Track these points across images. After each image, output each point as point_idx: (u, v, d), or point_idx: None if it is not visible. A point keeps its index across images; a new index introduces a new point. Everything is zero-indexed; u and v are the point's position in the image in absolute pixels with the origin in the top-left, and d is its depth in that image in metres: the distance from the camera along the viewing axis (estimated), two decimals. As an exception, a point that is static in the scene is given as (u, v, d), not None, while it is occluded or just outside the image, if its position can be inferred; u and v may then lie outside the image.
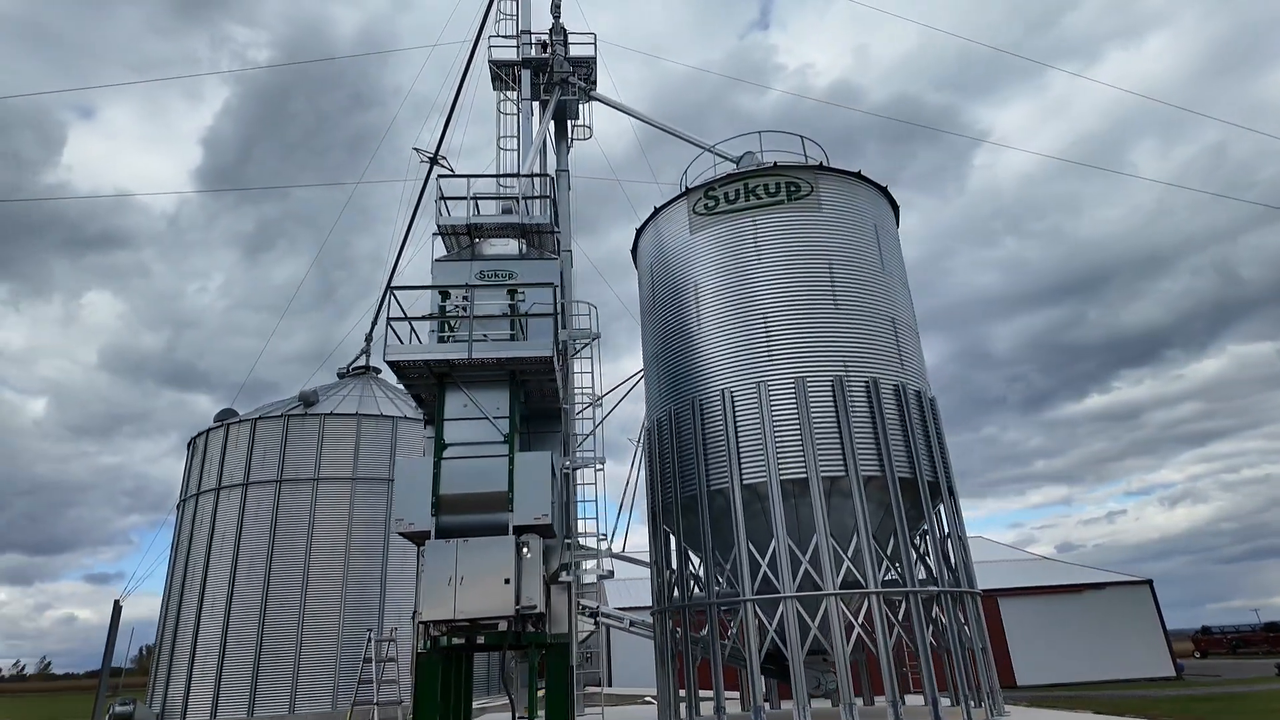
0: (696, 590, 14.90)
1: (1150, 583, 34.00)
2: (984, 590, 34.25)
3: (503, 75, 26.97)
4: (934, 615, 14.38)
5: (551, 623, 13.10)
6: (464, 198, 15.27)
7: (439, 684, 12.40)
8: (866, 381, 14.46)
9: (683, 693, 14.67)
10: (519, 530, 11.29)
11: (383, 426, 31.23)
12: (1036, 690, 29.79)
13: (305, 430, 31.69)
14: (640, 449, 17.71)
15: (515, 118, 26.21)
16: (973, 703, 13.82)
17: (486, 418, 11.84)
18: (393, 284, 12.08)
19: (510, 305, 12.75)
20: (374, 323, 34.98)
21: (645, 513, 16.45)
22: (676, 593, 15.10)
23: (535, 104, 25.70)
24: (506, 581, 10.73)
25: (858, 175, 16.66)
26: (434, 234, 15.31)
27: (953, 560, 14.50)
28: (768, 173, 16.23)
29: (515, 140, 25.59)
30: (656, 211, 17.82)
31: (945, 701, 13.19)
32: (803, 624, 13.07)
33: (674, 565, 15.30)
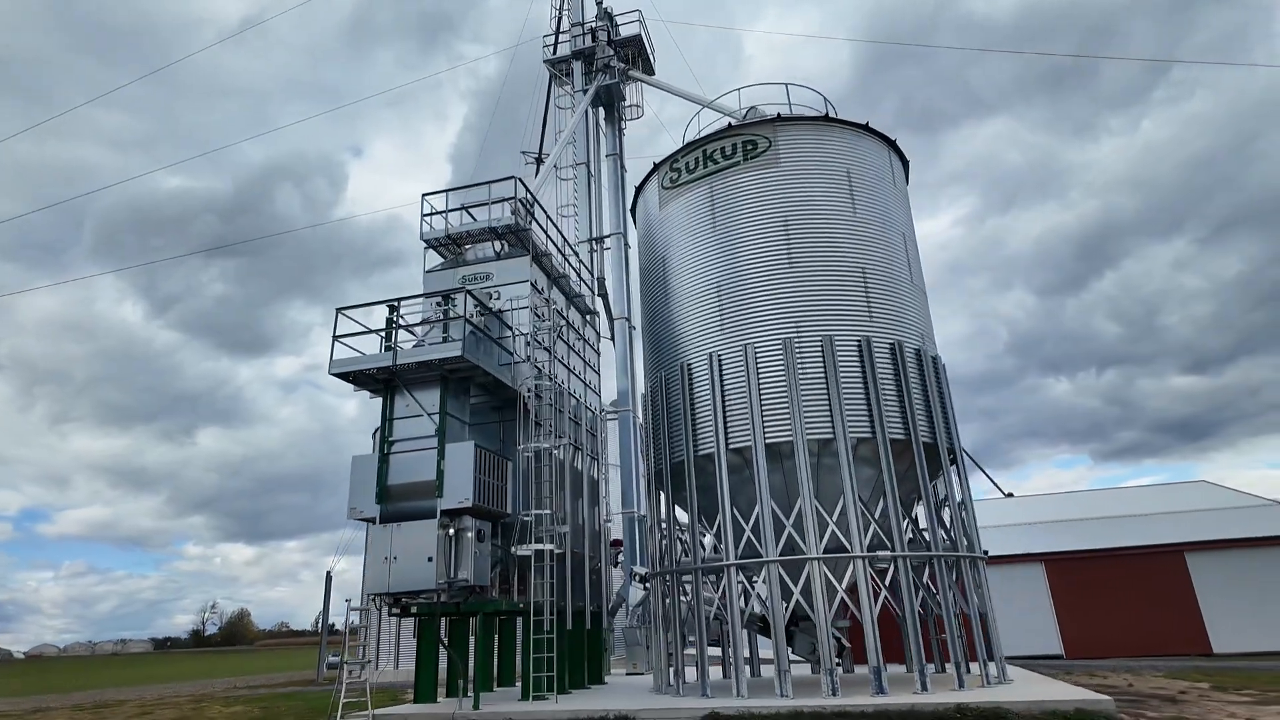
0: (683, 553, 15.27)
1: None
2: (1169, 544, 30.01)
3: (558, 73, 28.23)
4: (923, 581, 13.55)
5: (528, 591, 14.29)
6: (442, 211, 16.82)
7: (435, 645, 14.36)
8: (821, 340, 13.80)
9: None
10: (447, 514, 12.68)
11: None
12: (1233, 659, 25.44)
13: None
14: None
15: (569, 112, 27.39)
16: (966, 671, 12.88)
17: (424, 414, 13.34)
18: (341, 306, 13.89)
19: (444, 310, 14.05)
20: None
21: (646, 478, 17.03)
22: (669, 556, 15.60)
23: (586, 94, 26.62)
24: (430, 559, 12.19)
25: (826, 119, 15.63)
26: (424, 247, 17.08)
27: (946, 524, 13.45)
28: (723, 135, 15.84)
29: (572, 134, 26.78)
30: (638, 190, 18.06)
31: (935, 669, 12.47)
32: (784, 591, 13.00)
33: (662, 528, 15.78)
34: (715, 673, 16.45)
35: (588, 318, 21.15)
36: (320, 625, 35.31)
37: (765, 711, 10.94)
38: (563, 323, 17.29)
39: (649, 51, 28.04)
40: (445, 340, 13.68)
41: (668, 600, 14.83)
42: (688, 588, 14.95)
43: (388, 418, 13.53)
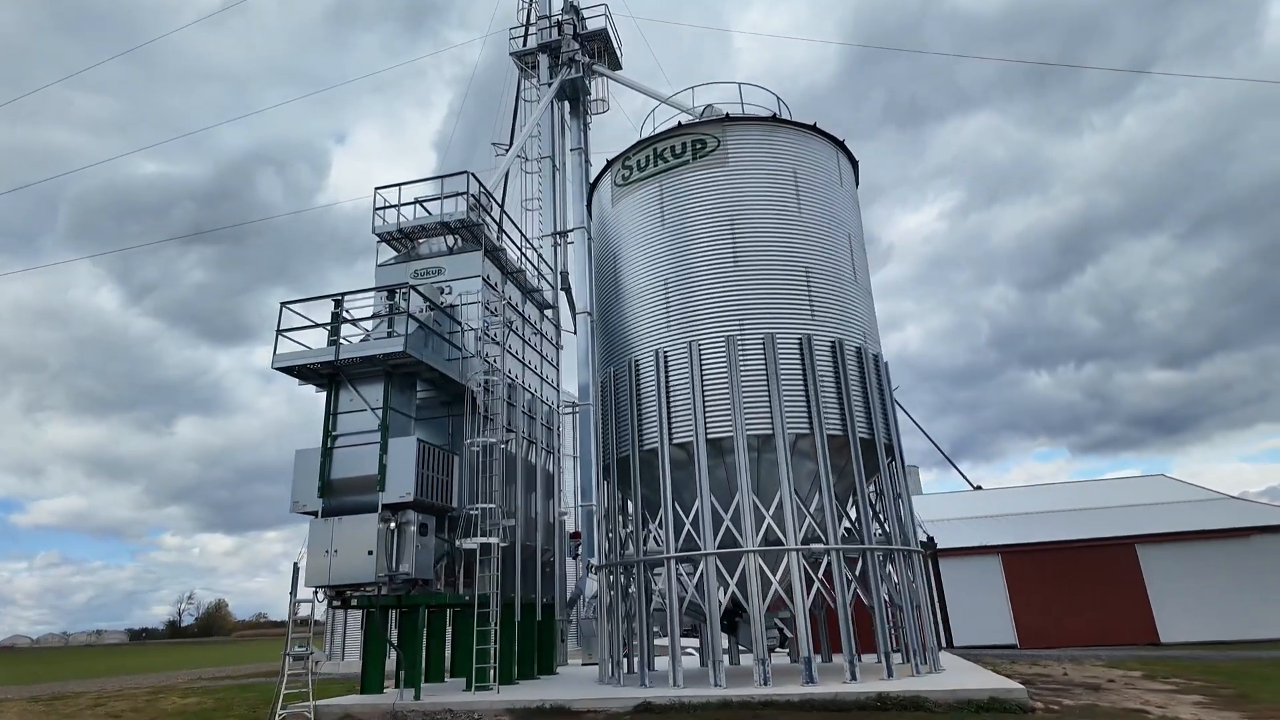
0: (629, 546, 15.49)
1: (1350, 523, 27.87)
2: (1120, 537, 30.64)
3: (524, 66, 28.23)
4: (855, 574, 13.86)
5: (475, 585, 14.44)
6: (394, 205, 16.83)
7: (384, 636, 14.54)
8: (763, 338, 14.04)
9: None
10: (389, 508, 12.82)
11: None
12: (1178, 648, 26.15)
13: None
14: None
15: (536, 104, 27.37)
16: (900, 659, 13.24)
17: (368, 408, 13.44)
18: (286, 301, 13.94)
19: (390, 305, 14.14)
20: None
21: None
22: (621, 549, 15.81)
23: (550, 88, 26.65)
24: (370, 553, 12.33)
25: (774, 119, 15.83)
26: (378, 241, 17.10)
27: (884, 518, 13.77)
28: (673, 134, 15.99)
29: (538, 127, 26.85)
30: (592, 187, 18.19)
31: (875, 659, 12.78)
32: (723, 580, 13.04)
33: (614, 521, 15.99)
34: (665, 663, 16.73)
35: (546, 312, 21.28)
36: (289, 615, 35.33)
37: (696, 701, 11.21)
38: (517, 318, 17.41)
39: (616, 46, 28.12)
40: (390, 335, 13.77)
41: (613, 592, 15.07)
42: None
43: (331, 412, 13.63)
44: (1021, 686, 10.81)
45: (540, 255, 21.45)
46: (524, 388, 17.80)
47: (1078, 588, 29.12)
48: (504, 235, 17.95)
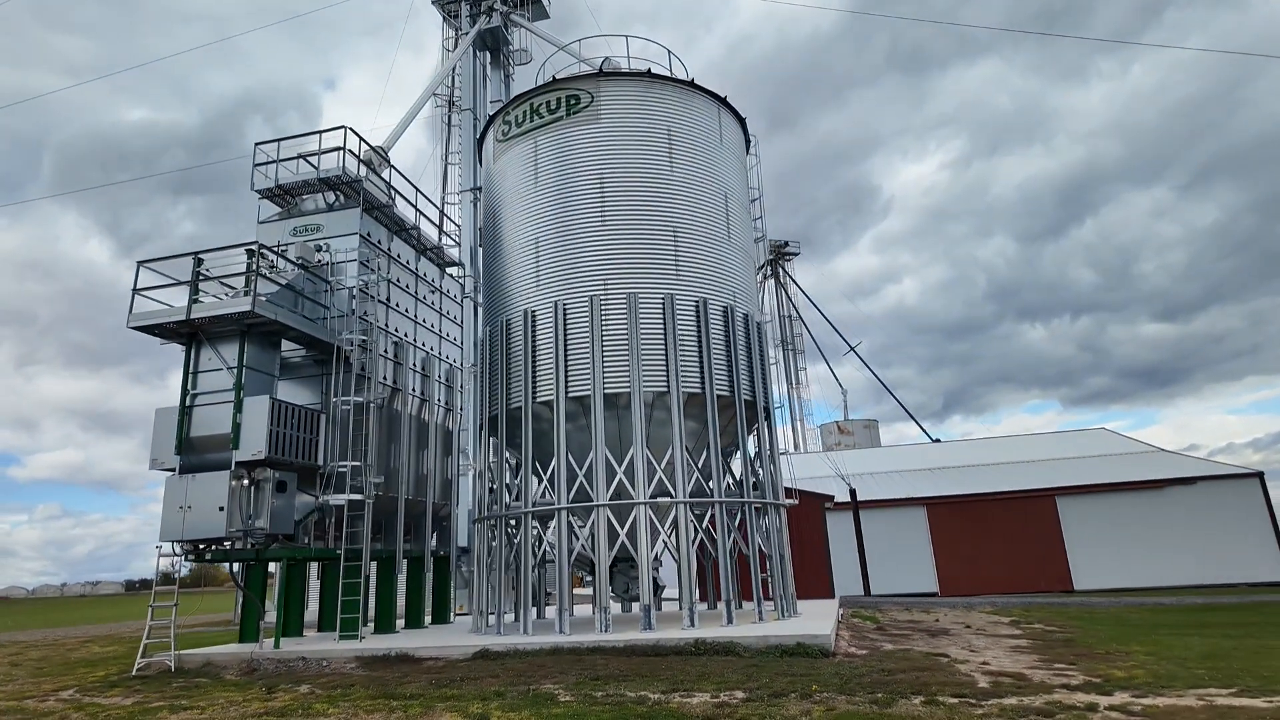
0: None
1: (1261, 476, 28.59)
2: (1040, 489, 31.23)
3: (446, 14, 27.60)
4: (704, 527, 14.24)
5: (345, 540, 14.71)
6: (273, 160, 16.68)
7: (261, 587, 14.94)
8: (627, 296, 14.14)
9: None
10: (245, 465, 13.05)
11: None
12: (1088, 595, 27.03)
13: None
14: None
15: (455, 54, 26.83)
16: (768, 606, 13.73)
17: (224, 368, 13.57)
18: (143, 260, 13.95)
19: (248, 264, 14.13)
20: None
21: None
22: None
23: (467, 36, 26.10)
24: (221, 509, 12.60)
25: (649, 75, 15.64)
26: (259, 198, 17.00)
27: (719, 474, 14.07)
28: (547, 89, 15.80)
29: (457, 77, 26.38)
30: (479, 143, 18.02)
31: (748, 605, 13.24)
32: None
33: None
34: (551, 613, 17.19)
35: (454, 270, 21.28)
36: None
37: (530, 648, 11.64)
38: (407, 274, 17.40)
39: (542, -4, 27.44)
40: (247, 294, 13.80)
41: (480, 544, 15.47)
42: (534, 530, 15.60)
43: (190, 370, 13.75)
44: (827, 633, 11.25)
45: (443, 212, 21.32)
46: (416, 345, 17.91)
47: (999, 538, 29.86)
48: (393, 191, 17.82)
